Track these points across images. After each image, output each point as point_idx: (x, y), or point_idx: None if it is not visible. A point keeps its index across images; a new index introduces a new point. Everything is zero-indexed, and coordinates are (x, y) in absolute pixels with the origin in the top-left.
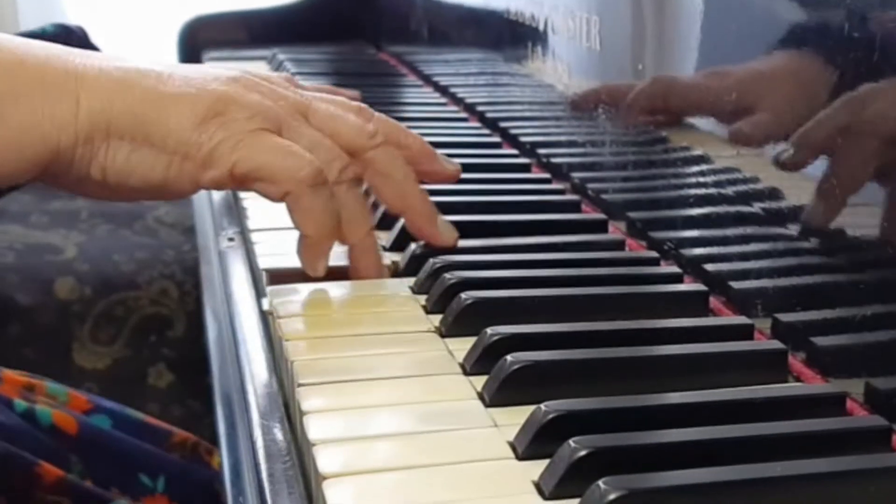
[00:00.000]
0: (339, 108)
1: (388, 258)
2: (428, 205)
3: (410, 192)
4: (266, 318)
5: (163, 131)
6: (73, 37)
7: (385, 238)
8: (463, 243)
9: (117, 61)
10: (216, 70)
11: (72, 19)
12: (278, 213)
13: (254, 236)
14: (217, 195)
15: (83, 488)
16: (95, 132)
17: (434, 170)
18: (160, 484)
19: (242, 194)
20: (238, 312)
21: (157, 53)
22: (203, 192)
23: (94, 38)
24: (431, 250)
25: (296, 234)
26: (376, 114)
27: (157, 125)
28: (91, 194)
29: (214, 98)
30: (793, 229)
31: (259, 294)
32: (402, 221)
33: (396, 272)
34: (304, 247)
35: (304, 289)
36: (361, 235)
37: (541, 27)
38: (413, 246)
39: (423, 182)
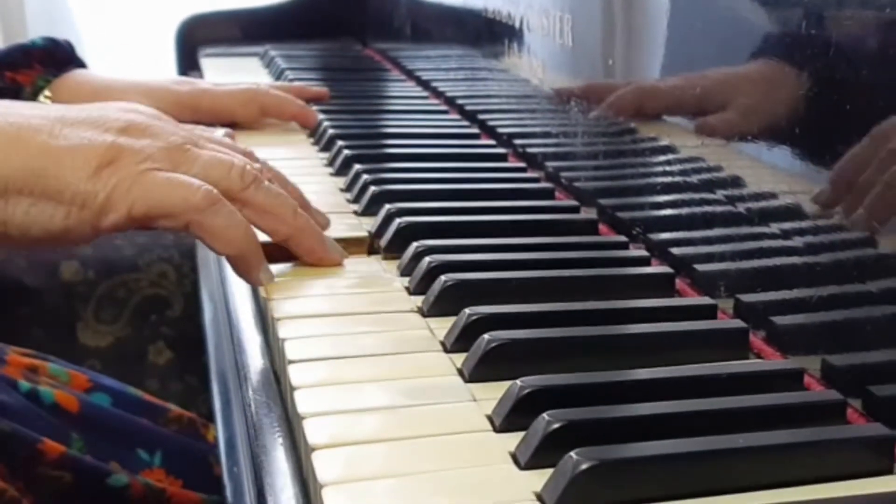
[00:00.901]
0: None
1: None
2: (314, 230)
3: (295, 224)
4: (259, 299)
5: (59, 184)
6: (60, 50)
7: (371, 223)
8: (443, 228)
9: (9, 117)
10: (108, 114)
11: (77, 18)
12: None
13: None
14: None
15: (84, 463)
16: None
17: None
18: (157, 458)
19: None
20: (232, 294)
21: (156, 51)
22: None
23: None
24: (414, 233)
25: None
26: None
27: (54, 179)
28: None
29: (105, 147)
30: (753, 215)
31: None
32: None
33: (375, 249)
34: (234, 267)
35: (296, 271)
36: (288, 224)
37: (517, 25)
38: (398, 221)
39: None
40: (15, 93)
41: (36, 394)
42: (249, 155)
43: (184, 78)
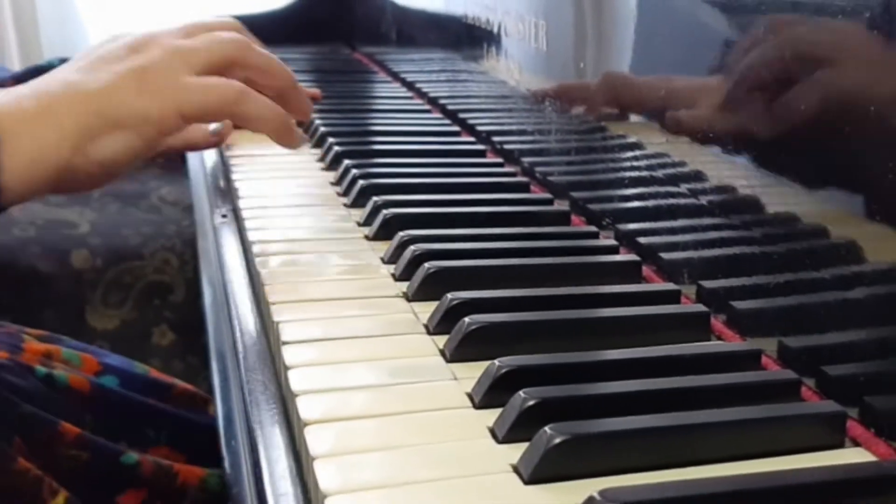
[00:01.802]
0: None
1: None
2: (301, 88)
3: (286, 76)
4: (255, 284)
5: (118, 114)
6: None
7: (360, 214)
8: (426, 220)
9: (52, 85)
10: (110, 47)
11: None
12: (266, 192)
13: (244, 213)
14: (212, 180)
15: (98, 443)
16: (80, 139)
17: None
18: (163, 436)
19: (235, 178)
20: (230, 280)
21: None
22: (200, 176)
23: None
24: (399, 223)
25: (282, 212)
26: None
27: (112, 112)
28: (96, 185)
29: (130, 70)
30: (715, 207)
31: (249, 263)
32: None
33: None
34: (278, 141)
35: (290, 259)
36: (283, 79)
37: (494, 30)
38: (384, 212)
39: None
40: None
41: (51, 378)
42: (240, 30)
43: (170, 28)
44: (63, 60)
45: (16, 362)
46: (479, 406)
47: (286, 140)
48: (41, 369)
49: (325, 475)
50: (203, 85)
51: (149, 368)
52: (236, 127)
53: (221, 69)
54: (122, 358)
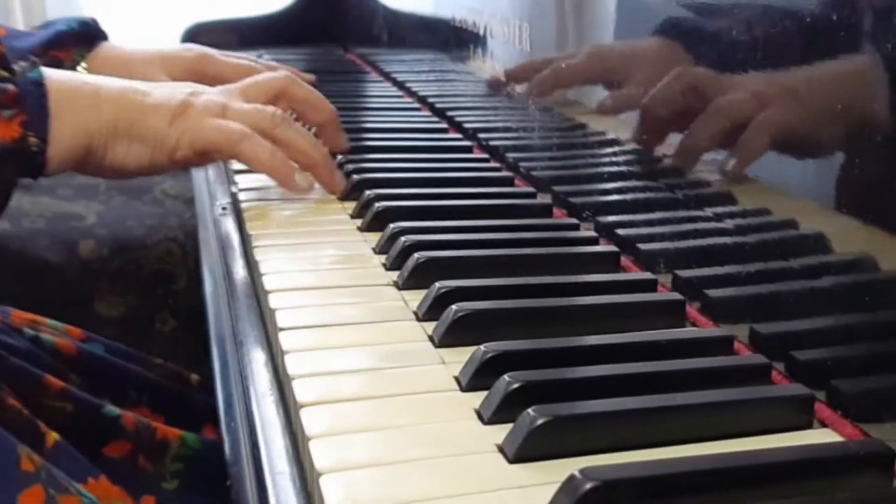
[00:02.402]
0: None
1: (346, 211)
2: (328, 163)
3: (314, 156)
4: (253, 273)
5: (147, 130)
6: (90, 28)
7: (353, 207)
8: (416, 212)
9: (113, 83)
10: (178, 86)
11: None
12: (265, 186)
13: (244, 206)
14: (213, 173)
15: (81, 396)
16: (108, 134)
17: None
18: (144, 398)
19: (235, 170)
20: (230, 269)
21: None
22: (201, 173)
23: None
24: (390, 216)
25: (280, 205)
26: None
27: (143, 126)
28: (104, 176)
29: (178, 104)
30: (690, 201)
31: (247, 254)
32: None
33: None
34: (277, 180)
35: (287, 249)
36: (310, 152)
37: (481, 32)
38: (376, 205)
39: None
40: (55, 67)
41: (38, 339)
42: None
43: (190, 45)
44: (81, 22)
45: (4, 324)
46: (465, 389)
47: (283, 182)
48: (29, 331)
49: (319, 454)
50: (216, 125)
51: (131, 349)
52: None
53: (269, 100)
54: (105, 339)
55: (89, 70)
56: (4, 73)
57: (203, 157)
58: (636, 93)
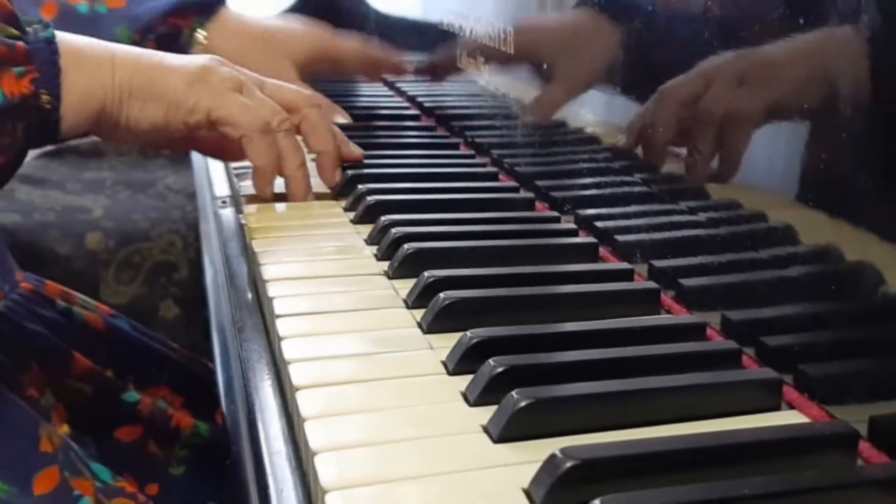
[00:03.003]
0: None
1: (340, 205)
2: (337, 156)
3: (330, 144)
4: (251, 263)
5: (164, 90)
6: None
7: (346, 202)
8: (405, 206)
9: (133, 47)
10: (201, 56)
11: None
12: None
13: (243, 200)
14: (213, 171)
15: (104, 378)
16: (123, 92)
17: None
18: (165, 376)
19: (234, 167)
20: (230, 260)
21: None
22: (202, 169)
23: None
24: (381, 209)
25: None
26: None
27: (161, 87)
28: (118, 138)
29: (198, 68)
30: (664, 195)
31: (245, 242)
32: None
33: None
34: (255, 176)
35: (283, 240)
36: (294, 168)
37: (467, 35)
38: (368, 199)
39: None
40: (175, 36)
41: (69, 312)
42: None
43: (312, 26)
44: None
45: (39, 293)
46: (452, 373)
47: (260, 184)
48: (61, 303)
49: (314, 435)
50: (244, 104)
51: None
52: None
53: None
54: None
55: (208, 38)
56: (15, 32)
57: (213, 127)
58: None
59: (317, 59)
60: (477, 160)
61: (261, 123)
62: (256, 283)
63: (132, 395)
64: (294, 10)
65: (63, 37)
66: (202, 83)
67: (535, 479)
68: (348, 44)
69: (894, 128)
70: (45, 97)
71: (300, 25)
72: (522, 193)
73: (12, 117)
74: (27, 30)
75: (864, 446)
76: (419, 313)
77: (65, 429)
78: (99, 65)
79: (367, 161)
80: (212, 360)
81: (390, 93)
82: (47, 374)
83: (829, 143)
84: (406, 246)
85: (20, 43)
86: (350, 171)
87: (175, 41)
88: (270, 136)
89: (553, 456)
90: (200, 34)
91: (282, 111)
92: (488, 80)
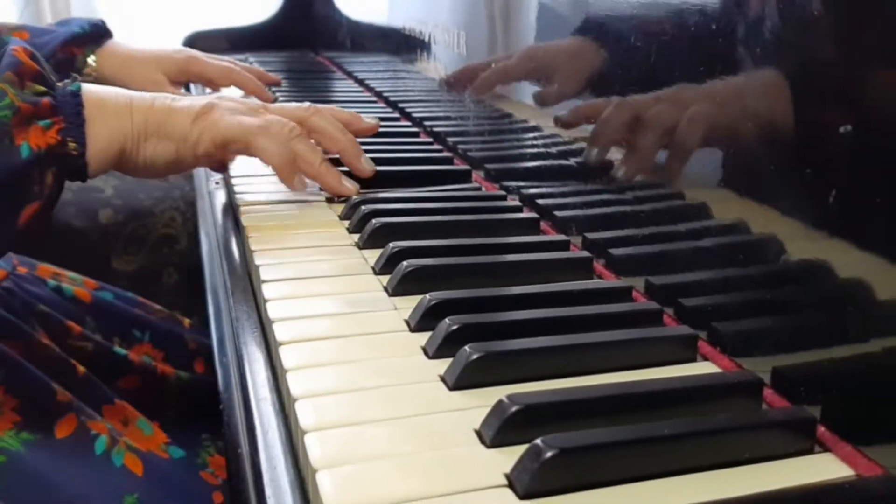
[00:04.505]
0: (286, 105)
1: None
2: (356, 148)
3: (342, 140)
4: (241, 236)
5: (173, 129)
6: (98, 28)
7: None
8: (374, 186)
9: (148, 94)
10: (207, 96)
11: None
12: (250, 164)
13: (234, 180)
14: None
15: (95, 338)
16: (140, 135)
17: (358, 129)
18: (147, 336)
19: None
20: (223, 233)
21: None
22: None
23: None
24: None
25: (262, 180)
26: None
27: (171, 126)
28: (138, 174)
29: (202, 105)
30: (596, 175)
31: (236, 217)
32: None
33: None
34: (279, 175)
35: (268, 216)
36: (317, 166)
37: (426, 39)
38: (355, 199)
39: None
40: (71, 61)
41: (59, 289)
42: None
43: (181, 48)
44: (92, 24)
45: (32, 275)
46: (414, 330)
47: (285, 179)
48: (52, 282)
49: (294, 384)
50: (234, 120)
51: (137, 296)
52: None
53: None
54: (114, 288)
55: (97, 62)
56: (41, 89)
57: (223, 149)
58: (560, 88)
59: (185, 74)
60: (434, 146)
61: (257, 127)
62: (246, 253)
63: (120, 349)
64: (276, 19)
65: (88, 88)
66: (204, 118)
67: (485, 422)
68: (213, 65)
69: (786, 126)
70: (71, 144)
71: (172, 49)
72: (474, 175)
73: (39, 167)
74: (57, 85)
75: (768, 393)
76: (385, 279)
77: (81, 369)
78: (119, 113)
79: None
80: (206, 318)
81: (360, 89)
82: (51, 338)
83: (738, 138)
84: (374, 220)
85: (45, 99)
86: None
87: (71, 65)
88: (273, 136)
89: (500, 402)
90: (91, 59)
91: (289, 122)
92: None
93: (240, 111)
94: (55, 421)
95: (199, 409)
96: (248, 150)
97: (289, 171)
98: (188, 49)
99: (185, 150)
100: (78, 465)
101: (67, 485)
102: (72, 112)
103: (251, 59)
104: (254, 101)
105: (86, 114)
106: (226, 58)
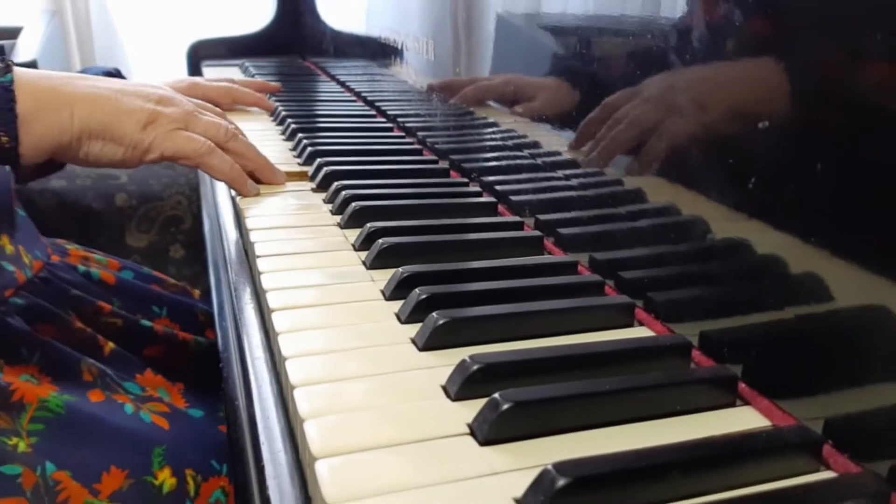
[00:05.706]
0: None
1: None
2: (269, 163)
3: (259, 158)
4: (239, 216)
5: (121, 134)
6: (116, 75)
7: (309, 169)
8: (353, 174)
9: (91, 88)
10: (147, 90)
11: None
12: None
13: None
14: None
15: (124, 314)
16: (83, 133)
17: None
18: (164, 311)
19: None
20: (221, 214)
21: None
22: None
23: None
24: (335, 176)
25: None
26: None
27: (118, 130)
28: (79, 165)
29: (149, 112)
30: (547, 165)
31: (234, 203)
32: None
33: (314, 188)
34: (232, 187)
35: (261, 199)
36: (254, 160)
37: (399, 46)
38: (325, 169)
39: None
40: None
41: (88, 274)
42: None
43: (182, 77)
44: (106, 72)
45: (65, 263)
46: (388, 299)
47: (239, 190)
48: (81, 267)
49: (285, 345)
50: (187, 137)
51: (153, 270)
52: None
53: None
54: (134, 263)
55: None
56: None
57: (171, 160)
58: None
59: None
60: (406, 140)
61: (207, 148)
62: (242, 231)
63: (145, 322)
64: (269, 28)
65: (24, 80)
66: (153, 126)
67: (450, 379)
68: (214, 87)
69: (712, 121)
70: (4, 138)
71: (174, 80)
72: (440, 165)
73: None
74: None
75: (696, 353)
76: (363, 254)
77: (110, 345)
78: (58, 108)
79: (324, 140)
80: (207, 288)
81: (342, 90)
82: (84, 318)
83: (671, 133)
84: (354, 203)
85: None
86: (311, 148)
87: None
88: (218, 151)
89: (463, 361)
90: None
91: (225, 124)
92: (415, 80)
93: (179, 121)
94: (86, 392)
95: (217, 371)
96: (199, 167)
97: (241, 182)
98: (190, 77)
99: (132, 156)
100: (111, 422)
101: (105, 437)
102: (3, 108)
103: (247, 64)
104: (188, 102)
105: (18, 109)
106: (223, 79)
